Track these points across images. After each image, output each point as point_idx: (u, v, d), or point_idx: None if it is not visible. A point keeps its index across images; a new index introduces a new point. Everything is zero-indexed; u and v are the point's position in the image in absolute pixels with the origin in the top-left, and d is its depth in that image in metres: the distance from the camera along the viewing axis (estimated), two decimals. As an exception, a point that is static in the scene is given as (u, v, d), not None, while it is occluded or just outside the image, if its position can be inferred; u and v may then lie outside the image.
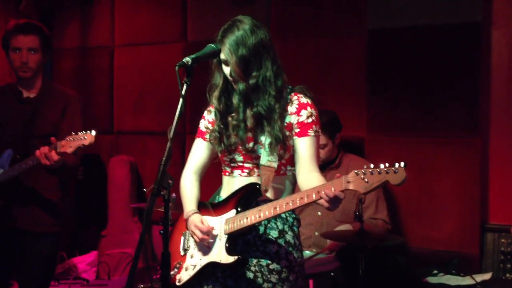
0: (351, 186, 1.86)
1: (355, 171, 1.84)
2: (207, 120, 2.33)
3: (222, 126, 2.23)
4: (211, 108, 2.31)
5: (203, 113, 2.37)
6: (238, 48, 2.10)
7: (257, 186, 2.12)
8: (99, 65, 4.90)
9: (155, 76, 4.66)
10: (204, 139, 2.32)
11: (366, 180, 1.82)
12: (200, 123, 2.37)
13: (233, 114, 2.20)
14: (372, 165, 1.83)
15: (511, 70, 3.51)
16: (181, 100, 1.93)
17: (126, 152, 4.76)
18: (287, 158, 2.18)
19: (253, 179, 2.18)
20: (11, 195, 2.97)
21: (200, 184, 2.34)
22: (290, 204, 1.97)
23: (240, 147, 2.20)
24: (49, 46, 3.15)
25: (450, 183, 3.58)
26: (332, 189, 1.88)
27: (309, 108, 2.18)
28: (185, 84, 1.95)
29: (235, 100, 2.18)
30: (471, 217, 3.53)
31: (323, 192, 1.89)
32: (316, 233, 3.33)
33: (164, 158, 1.86)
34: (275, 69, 2.16)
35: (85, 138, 2.66)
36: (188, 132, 4.51)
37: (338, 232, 3.09)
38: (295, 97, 2.20)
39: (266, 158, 2.13)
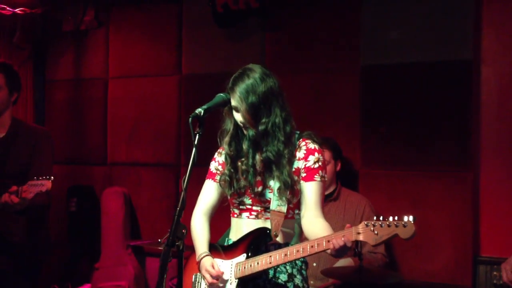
0: (361, 237, 1.92)
1: (365, 222, 1.90)
2: (218, 162, 2.39)
3: (232, 170, 2.29)
4: (222, 151, 2.37)
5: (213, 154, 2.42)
6: (248, 96, 2.17)
7: (267, 231, 2.17)
8: (93, 96, 4.90)
9: (150, 108, 4.68)
10: (215, 180, 2.38)
11: (376, 232, 1.88)
12: (211, 165, 2.43)
13: (243, 159, 2.26)
14: (381, 217, 1.90)
15: (500, 107, 3.62)
16: (194, 150, 1.99)
17: (120, 183, 4.75)
18: (295, 202, 2.24)
19: (260, 222, 2.24)
20: None
21: (210, 225, 2.39)
22: (301, 251, 2.02)
23: (249, 191, 2.25)
24: (16, 83, 3.13)
25: (443, 216, 3.64)
26: (342, 239, 1.94)
27: (316, 154, 2.25)
28: (197, 134, 2.00)
29: (245, 145, 2.25)
30: (464, 250, 3.60)
31: (333, 242, 1.95)
32: (314, 264, 3.37)
33: (178, 208, 1.89)
34: (284, 116, 2.23)
35: (42, 185, 2.77)
36: (182, 164, 4.54)
37: (338, 269, 3.14)
38: (303, 143, 2.27)
39: (275, 203, 2.19)
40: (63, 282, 4.58)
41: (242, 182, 2.26)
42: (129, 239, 4.62)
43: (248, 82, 2.19)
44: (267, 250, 2.17)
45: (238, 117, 2.23)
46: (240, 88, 2.19)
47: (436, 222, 3.67)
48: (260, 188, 2.23)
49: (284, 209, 2.18)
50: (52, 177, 2.79)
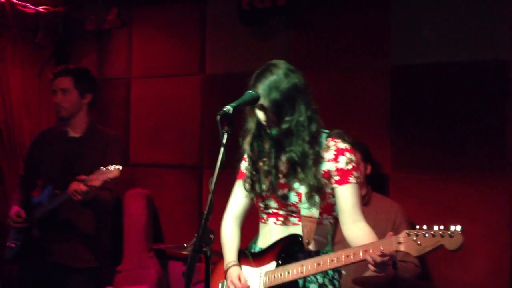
0: (402, 248, 1.78)
1: (407, 231, 1.77)
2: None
3: (253, 172, 2.17)
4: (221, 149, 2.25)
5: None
6: (271, 92, 2.05)
7: (299, 238, 2.05)
8: (116, 97, 4.84)
9: (173, 108, 4.61)
10: (245, 181, 2.26)
11: (419, 242, 1.74)
12: (241, 165, 2.31)
13: (265, 159, 2.13)
14: (425, 226, 1.76)
15: (539, 109, 3.45)
16: (222, 149, 1.87)
17: (142, 185, 4.67)
18: (324, 206, 2.11)
19: (288, 228, 2.12)
20: (48, 228, 3.14)
21: (240, 229, 2.29)
22: (335, 261, 1.90)
23: (273, 194, 2.13)
24: (87, 86, 3.30)
25: (478, 224, 3.47)
26: (381, 248, 1.80)
27: (347, 154, 2.12)
28: (226, 133, 1.88)
29: (267, 145, 2.13)
30: (500, 260, 3.43)
31: (371, 253, 1.82)
32: (344, 272, 3.22)
33: (205, 212, 1.78)
34: (309, 114, 2.11)
35: (109, 172, 2.85)
36: (205, 166, 4.44)
37: (370, 278, 3.00)
38: (332, 143, 2.14)
39: (306, 208, 2.06)
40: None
41: (264, 185, 2.13)
42: (151, 242, 4.55)
43: (271, 78, 2.07)
44: (297, 258, 2.05)
45: (260, 115, 2.11)
46: (263, 85, 2.07)
47: (470, 230, 3.35)
48: (285, 191, 2.11)
49: (316, 213, 2.06)
50: (121, 167, 2.85)
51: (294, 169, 2.09)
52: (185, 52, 4.55)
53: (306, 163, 2.07)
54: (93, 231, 3.19)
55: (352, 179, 2.10)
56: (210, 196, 1.80)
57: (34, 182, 3.38)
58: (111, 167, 2.84)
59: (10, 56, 4.45)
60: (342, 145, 2.13)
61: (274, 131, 2.09)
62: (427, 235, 1.74)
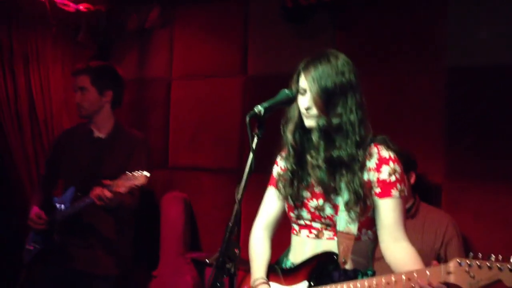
0: (452, 279, 1.55)
1: (458, 260, 1.53)
2: (280, 166, 2.07)
3: (295, 166, 1.96)
4: (284, 154, 2.05)
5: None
6: (323, 79, 1.86)
7: (334, 257, 1.83)
8: (155, 97, 4.76)
9: (213, 110, 4.48)
10: (277, 187, 2.05)
11: (472, 274, 1.51)
12: (273, 169, 2.12)
13: (312, 152, 1.91)
14: (480, 255, 1.51)
15: None
16: (251, 155, 1.67)
17: (180, 188, 4.56)
18: (363, 220, 1.88)
19: (323, 243, 1.89)
20: (69, 232, 3.02)
21: (271, 241, 2.08)
22: (374, 287, 1.66)
23: (308, 204, 1.92)
24: (106, 82, 3.13)
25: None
26: (428, 277, 1.56)
27: (391, 164, 1.88)
28: (256, 136, 1.68)
29: (314, 136, 1.91)
30: None
31: (416, 282, 1.58)
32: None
33: (230, 224, 1.59)
34: (360, 116, 1.89)
35: (136, 178, 2.70)
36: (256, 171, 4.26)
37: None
38: (375, 150, 1.91)
39: (344, 222, 1.84)
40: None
41: (307, 181, 1.92)
42: (188, 247, 4.45)
43: (327, 65, 1.88)
44: (332, 278, 1.83)
45: (304, 101, 1.89)
46: (316, 68, 1.88)
47: None
48: (319, 202, 1.89)
49: (354, 229, 1.83)
50: (149, 174, 2.72)
51: (339, 172, 1.87)
52: (227, 52, 4.42)
53: (353, 167, 1.85)
54: (114, 237, 3.07)
55: (394, 193, 1.87)
56: (236, 206, 1.61)
57: (55, 182, 3.28)
58: (138, 173, 2.70)
59: (50, 56, 4.41)
60: (386, 153, 1.91)
61: (321, 121, 1.87)
62: (482, 266, 1.50)
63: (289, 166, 1.98)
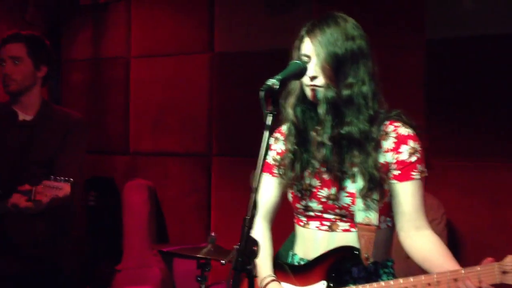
0: (509, 279, 1.38)
1: None
2: (275, 150, 1.84)
3: (296, 147, 1.74)
4: (279, 135, 1.83)
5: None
6: (331, 43, 1.65)
7: (356, 252, 1.64)
8: (114, 78, 4.49)
9: (177, 91, 4.25)
10: (273, 174, 1.83)
11: None
12: (268, 155, 1.89)
13: (318, 128, 1.71)
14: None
15: None
16: (266, 133, 1.44)
17: (144, 175, 4.32)
18: (381, 207, 1.70)
19: (338, 236, 1.70)
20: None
21: (271, 232, 1.86)
22: None
23: (318, 193, 1.71)
24: (43, 56, 2.76)
25: (529, 216, 3.13)
26: (479, 273, 1.40)
27: (411, 142, 1.70)
28: (271, 114, 1.46)
29: (321, 110, 1.68)
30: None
31: (465, 283, 1.42)
32: None
33: (247, 217, 1.36)
34: (374, 87, 1.69)
35: (60, 188, 2.38)
36: (214, 154, 4.05)
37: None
38: (391, 127, 1.71)
39: (362, 212, 1.64)
40: (81, 286, 4.16)
41: (313, 162, 1.71)
42: (154, 237, 4.22)
43: (335, 28, 1.67)
44: (351, 275, 1.64)
45: (309, 69, 1.66)
46: (324, 32, 1.67)
47: None
48: (331, 191, 1.69)
49: (374, 219, 1.64)
50: (72, 179, 2.38)
51: (351, 151, 1.67)
52: (192, 28, 4.18)
53: (366, 147, 1.66)
54: (49, 237, 2.73)
55: (415, 175, 1.69)
56: (253, 196, 1.37)
57: None
58: (61, 183, 2.36)
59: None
60: (404, 130, 1.71)
61: (330, 93, 1.65)
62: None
63: (289, 147, 1.75)
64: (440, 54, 3.37)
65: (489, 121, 3.24)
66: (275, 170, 1.82)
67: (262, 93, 1.44)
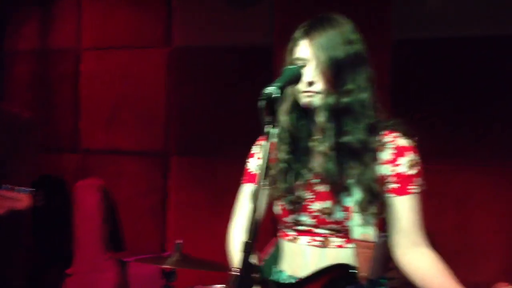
0: None
1: None
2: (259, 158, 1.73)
3: (291, 155, 1.62)
4: (264, 142, 1.71)
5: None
6: (332, 47, 1.56)
7: (352, 270, 1.55)
8: (62, 71, 4.24)
9: (132, 86, 4.05)
10: (260, 185, 1.71)
11: None
12: (248, 164, 1.77)
13: (316, 137, 1.60)
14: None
15: None
16: (267, 145, 1.33)
17: (96, 174, 4.11)
18: (378, 222, 1.63)
19: (330, 252, 1.61)
20: None
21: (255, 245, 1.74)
22: None
23: (310, 207, 1.61)
24: None
25: (492, 219, 3.16)
26: None
27: (411, 155, 1.63)
28: (271, 125, 1.34)
29: (321, 117, 1.58)
30: (513, 258, 3.14)
31: None
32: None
33: (248, 240, 1.23)
34: (372, 94, 1.62)
35: (19, 200, 2.20)
36: (172, 153, 3.90)
37: None
38: (389, 137, 1.63)
39: (359, 227, 1.56)
40: (29, 293, 3.93)
41: (305, 175, 1.61)
42: (107, 240, 4.02)
43: (333, 31, 1.58)
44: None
45: (307, 74, 1.56)
46: (321, 35, 1.57)
47: (483, 226, 3.20)
48: (326, 204, 1.60)
49: (372, 235, 1.56)
50: (34, 189, 2.19)
51: (349, 162, 1.57)
52: (148, 20, 4.00)
53: (364, 158, 1.57)
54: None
55: (413, 188, 1.62)
56: (252, 215, 1.25)
57: None
58: (20, 193, 2.18)
59: None
60: (402, 141, 1.64)
61: (330, 99, 1.56)
62: None
63: (282, 156, 1.64)
64: (406, 55, 3.35)
65: (454, 123, 3.26)
66: (266, 181, 1.70)
67: (262, 103, 1.31)
